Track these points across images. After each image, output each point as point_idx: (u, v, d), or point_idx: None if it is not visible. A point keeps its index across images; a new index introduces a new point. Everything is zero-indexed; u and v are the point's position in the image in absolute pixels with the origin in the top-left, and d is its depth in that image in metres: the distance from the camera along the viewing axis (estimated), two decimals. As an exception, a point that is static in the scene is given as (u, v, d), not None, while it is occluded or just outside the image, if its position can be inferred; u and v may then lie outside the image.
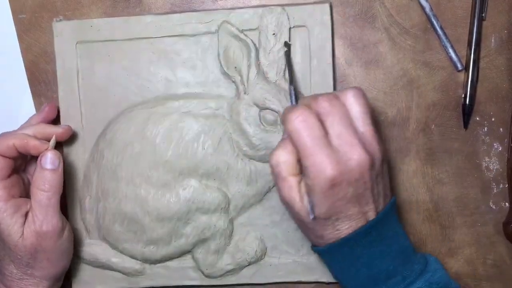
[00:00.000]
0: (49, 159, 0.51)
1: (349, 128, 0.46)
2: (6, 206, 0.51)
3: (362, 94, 0.47)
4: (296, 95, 0.50)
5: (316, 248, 0.49)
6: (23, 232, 0.51)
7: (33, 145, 0.52)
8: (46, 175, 0.51)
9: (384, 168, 0.48)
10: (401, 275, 0.47)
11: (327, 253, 0.48)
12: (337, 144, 0.45)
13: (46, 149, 0.52)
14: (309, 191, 0.46)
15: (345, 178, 0.45)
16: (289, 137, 0.46)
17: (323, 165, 0.44)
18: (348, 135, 0.45)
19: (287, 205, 0.48)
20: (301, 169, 0.46)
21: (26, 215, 0.52)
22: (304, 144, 0.45)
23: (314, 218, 0.46)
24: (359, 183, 0.45)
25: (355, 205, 0.46)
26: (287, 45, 0.50)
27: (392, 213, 0.48)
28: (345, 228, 0.46)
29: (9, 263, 0.52)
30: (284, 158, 0.47)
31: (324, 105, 0.46)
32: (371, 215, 0.47)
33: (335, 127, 0.45)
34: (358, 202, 0.46)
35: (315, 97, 0.47)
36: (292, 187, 0.47)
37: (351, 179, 0.45)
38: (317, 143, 0.45)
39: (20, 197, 0.53)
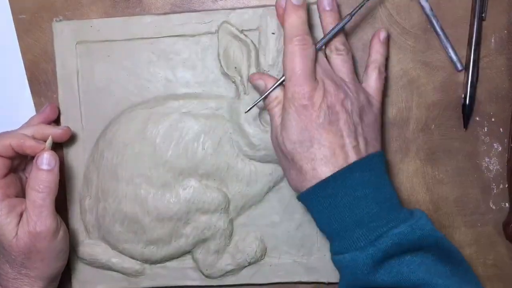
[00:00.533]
0: (45, 160, 0.51)
1: (347, 71, 0.51)
2: (1, 205, 0.51)
3: (347, 51, 0.52)
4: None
5: (298, 195, 0.49)
6: (17, 232, 0.51)
7: (29, 145, 0.52)
8: (41, 175, 0.51)
9: (368, 115, 0.50)
10: (384, 219, 0.46)
11: (310, 195, 0.48)
12: (320, 77, 0.49)
13: (43, 150, 0.52)
14: (284, 115, 0.49)
15: (318, 101, 0.48)
16: (284, 61, 0.49)
17: (302, 87, 0.48)
18: (333, 74, 0.50)
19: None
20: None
21: (21, 215, 0.52)
22: (290, 67, 0.48)
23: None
24: (332, 110, 0.48)
25: (328, 132, 0.47)
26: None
27: (378, 163, 0.49)
28: (320, 158, 0.47)
29: (4, 263, 0.52)
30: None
31: (338, 45, 0.51)
32: (351, 155, 0.47)
33: (324, 65, 0.50)
34: (330, 130, 0.47)
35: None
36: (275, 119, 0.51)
37: (324, 105, 0.48)
38: (303, 70, 0.48)
39: (17, 196, 0.54)
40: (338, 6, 0.53)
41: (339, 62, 0.51)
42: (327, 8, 0.52)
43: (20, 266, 0.52)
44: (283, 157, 0.50)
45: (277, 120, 0.50)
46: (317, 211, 0.48)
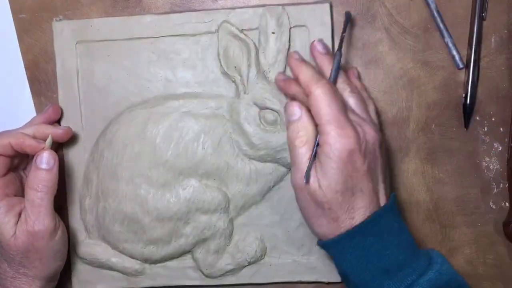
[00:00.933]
0: (44, 159, 0.51)
1: (364, 108, 0.49)
2: (0, 204, 0.51)
3: (358, 89, 0.51)
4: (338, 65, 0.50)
5: (325, 242, 0.48)
6: (15, 231, 0.51)
7: (29, 144, 0.52)
8: (40, 174, 0.51)
9: (386, 157, 0.50)
10: (411, 267, 0.46)
11: (338, 243, 0.47)
12: (353, 119, 0.47)
13: (42, 149, 0.52)
14: (327, 159, 0.45)
15: (362, 148, 0.46)
16: (311, 104, 0.47)
17: (344, 132, 0.45)
18: (364, 113, 0.49)
19: (296, 190, 0.48)
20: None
21: (20, 214, 0.52)
22: (327, 110, 0.46)
23: (307, 182, 0.46)
24: (372, 157, 0.47)
25: (370, 179, 0.46)
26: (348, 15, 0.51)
27: (395, 206, 0.48)
28: (359, 206, 0.46)
29: (3, 262, 0.52)
30: (310, 135, 0.48)
31: (344, 86, 0.49)
32: (382, 199, 0.47)
33: (352, 105, 0.49)
34: (371, 177, 0.46)
35: (317, 76, 0.48)
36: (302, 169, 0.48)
37: (366, 152, 0.46)
38: (340, 111, 0.46)
39: (16, 195, 0.54)
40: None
41: (355, 101, 0.49)
42: (323, 52, 0.51)
43: (18, 265, 0.52)
44: (313, 205, 0.47)
45: (305, 162, 0.47)
46: (343, 259, 0.47)
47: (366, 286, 0.47)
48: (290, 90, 0.50)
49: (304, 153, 0.47)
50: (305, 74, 0.48)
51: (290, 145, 0.49)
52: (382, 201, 0.47)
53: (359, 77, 0.55)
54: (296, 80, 0.49)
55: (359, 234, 0.46)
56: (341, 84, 0.50)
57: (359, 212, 0.46)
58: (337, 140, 0.45)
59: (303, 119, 0.48)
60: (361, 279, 0.47)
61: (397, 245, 0.46)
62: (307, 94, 0.47)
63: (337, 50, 0.50)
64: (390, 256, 0.46)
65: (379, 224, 0.46)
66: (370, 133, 0.47)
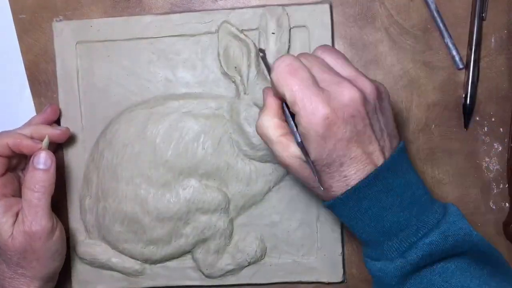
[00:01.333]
0: (42, 159, 0.51)
1: (332, 71, 0.44)
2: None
3: (331, 47, 0.47)
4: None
5: (324, 203, 0.46)
6: (12, 231, 0.51)
7: (26, 144, 0.52)
8: (37, 175, 0.51)
9: (383, 104, 0.45)
10: (414, 227, 0.43)
11: (334, 207, 0.45)
12: (325, 86, 0.43)
13: (39, 149, 0.52)
14: (305, 139, 0.43)
15: (339, 115, 0.42)
16: (274, 86, 0.44)
17: (314, 105, 0.42)
18: (333, 76, 0.44)
19: (288, 166, 0.46)
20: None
21: (17, 214, 0.52)
22: (291, 88, 0.43)
23: (313, 163, 0.44)
24: (356, 119, 0.43)
25: (357, 144, 0.43)
26: (262, 51, 0.48)
27: (402, 158, 0.45)
28: (352, 173, 0.43)
29: (1, 263, 0.53)
30: (268, 122, 0.46)
31: (302, 60, 0.44)
32: (379, 159, 0.44)
33: (319, 73, 0.44)
34: (359, 141, 0.43)
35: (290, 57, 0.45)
36: (287, 146, 0.45)
37: (346, 116, 0.42)
38: (304, 85, 0.42)
39: (14, 196, 0.54)
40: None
41: (331, 58, 0.45)
42: None
43: (16, 265, 0.52)
44: (304, 179, 0.46)
45: (287, 146, 0.45)
46: (345, 220, 0.46)
47: (369, 244, 0.45)
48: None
49: (268, 140, 0.46)
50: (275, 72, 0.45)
51: (258, 133, 0.47)
52: (380, 158, 0.44)
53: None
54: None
55: (352, 200, 0.44)
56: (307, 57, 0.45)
57: (353, 177, 0.43)
58: (306, 119, 0.42)
59: (267, 106, 0.46)
60: (363, 238, 0.46)
61: (399, 205, 0.43)
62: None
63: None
64: (389, 218, 0.44)
65: (375, 185, 0.43)
66: (344, 94, 0.42)
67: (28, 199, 0.51)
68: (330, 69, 0.45)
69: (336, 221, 0.57)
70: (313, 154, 0.43)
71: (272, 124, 0.46)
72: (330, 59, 0.45)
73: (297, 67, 0.43)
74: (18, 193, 0.54)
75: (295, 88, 0.42)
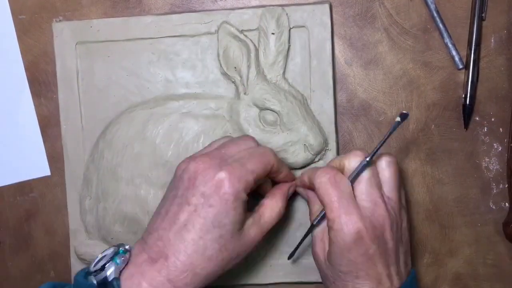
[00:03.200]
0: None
1: (376, 188, 0.47)
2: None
3: (395, 162, 0.49)
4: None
5: None
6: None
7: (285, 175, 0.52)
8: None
9: (405, 237, 0.49)
10: None
11: None
12: (362, 200, 0.47)
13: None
14: (331, 244, 0.46)
15: (369, 233, 0.45)
16: (316, 192, 0.47)
17: (349, 218, 0.45)
18: (374, 194, 0.47)
19: (318, 261, 0.50)
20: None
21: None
22: (330, 198, 0.46)
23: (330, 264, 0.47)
24: (381, 241, 0.46)
25: (376, 264, 0.46)
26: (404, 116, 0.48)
27: (414, 286, 0.48)
28: None
29: None
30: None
31: (325, 172, 0.48)
32: (393, 282, 0.46)
33: (362, 185, 0.47)
34: (379, 261, 0.46)
35: (348, 156, 0.49)
36: (323, 243, 0.49)
37: (374, 236, 0.45)
38: (343, 197, 0.46)
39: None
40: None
41: (388, 174, 0.49)
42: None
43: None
44: (323, 275, 0.50)
45: (320, 243, 0.49)
46: None
47: None
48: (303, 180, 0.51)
49: (319, 234, 0.50)
50: (309, 174, 0.50)
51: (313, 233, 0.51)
52: (396, 282, 0.47)
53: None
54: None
55: None
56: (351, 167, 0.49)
57: None
58: (339, 227, 0.45)
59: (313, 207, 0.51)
60: None
61: None
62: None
63: (369, 157, 0.48)
64: None
65: None
66: (378, 216, 0.46)
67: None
68: (377, 185, 0.48)
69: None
70: (333, 259, 0.46)
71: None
72: (386, 176, 0.49)
73: (339, 180, 0.47)
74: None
75: (335, 199, 0.46)
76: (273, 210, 0.50)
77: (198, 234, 0.45)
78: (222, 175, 0.45)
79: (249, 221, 0.48)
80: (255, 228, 0.48)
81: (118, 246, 0.47)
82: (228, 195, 0.45)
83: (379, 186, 0.48)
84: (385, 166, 0.49)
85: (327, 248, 0.48)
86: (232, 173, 0.45)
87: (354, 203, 0.46)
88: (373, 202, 0.47)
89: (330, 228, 0.46)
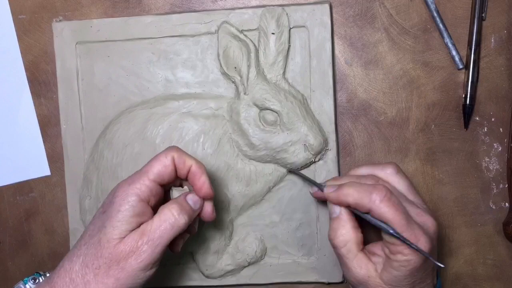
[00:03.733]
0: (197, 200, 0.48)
1: (409, 202, 0.48)
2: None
3: (399, 169, 0.50)
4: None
5: None
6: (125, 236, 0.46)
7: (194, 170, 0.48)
8: (191, 213, 0.47)
9: None
10: None
11: None
12: (414, 215, 0.47)
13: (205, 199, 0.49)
14: (397, 267, 0.46)
15: (434, 245, 0.47)
16: (378, 218, 0.46)
17: (420, 235, 0.46)
18: (415, 208, 0.48)
19: (362, 282, 0.48)
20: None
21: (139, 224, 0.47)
22: (400, 219, 0.46)
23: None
24: (435, 250, 0.48)
25: (428, 277, 0.48)
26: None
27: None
28: None
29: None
30: (349, 235, 0.48)
31: (382, 193, 0.46)
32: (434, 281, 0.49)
33: (404, 204, 0.47)
34: (430, 274, 0.48)
35: (369, 190, 0.47)
36: (367, 262, 0.48)
37: (434, 246, 0.47)
38: (407, 216, 0.46)
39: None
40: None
41: (406, 184, 0.50)
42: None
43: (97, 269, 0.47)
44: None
45: (351, 261, 0.48)
46: None
47: None
48: (346, 201, 0.48)
49: (346, 254, 0.48)
50: (353, 193, 0.47)
51: (332, 243, 0.49)
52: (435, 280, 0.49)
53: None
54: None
55: None
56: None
57: None
58: (412, 252, 0.45)
59: (342, 217, 0.48)
60: None
61: None
62: (365, 209, 0.47)
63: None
64: None
65: None
66: (431, 224, 0.47)
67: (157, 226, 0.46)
68: (407, 199, 0.49)
69: (336, 221, 0.57)
70: (396, 280, 0.46)
71: (355, 237, 0.48)
72: (402, 185, 0.50)
73: (396, 201, 0.46)
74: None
75: (404, 219, 0.46)
76: (162, 219, 0.46)
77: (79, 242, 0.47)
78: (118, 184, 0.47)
79: (136, 229, 0.45)
80: (135, 235, 0.45)
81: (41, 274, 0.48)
82: (117, 198, 0.45)
83: (406, 198, 0.49)
84: (395, 178, 0.50)
85: (379, 269, 0.47)
86: (125, 180, 0.46)
87: (413, 221, 0.46)
88: (420, 215, 0.47)
89: (399, 253, 0.46)
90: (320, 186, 0.51)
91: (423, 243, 0.45)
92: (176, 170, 0.47)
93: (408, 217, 0.46)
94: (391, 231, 0.45)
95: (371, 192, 0.46)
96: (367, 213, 0.47)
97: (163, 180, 0.47)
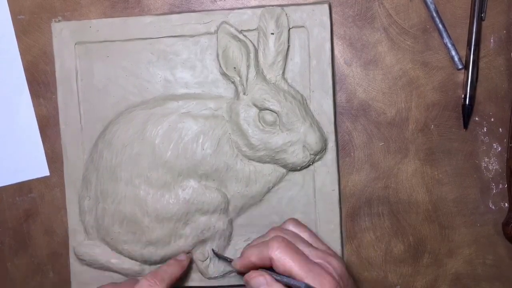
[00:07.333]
0: None
1: (312, 247, 0.50)
2: None
3: (298, 221, 0.53)
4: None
5: None
6: None
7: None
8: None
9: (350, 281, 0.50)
10: None
11: None
12: (318, 257, 0.48)
13: None
14: None
15: (343, 283, 0.48)
16: (276, 266, 0.48)
17: (323, 276, 0.46)
18: (318, 251, 0.49)
19: None
20: None
21: None
22: (296, 265, 0.47)
23: None
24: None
25: None
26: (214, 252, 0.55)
27: None
28: None
29: None
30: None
31: (279, 241, 0.48)
32: None
33: (303, 249, 0.49)
34: None
35: (267, 242, 0.49)
36: None
37: (345, 285, 0.48)
38: (306, 259, 0.48)
39: None
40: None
41: (308, 234, 0.52)
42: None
43: None
44: None
45: None
46: None
47: None
48: (250, 261, 0.50)
49: None
50: (253, 251, 0.49)
51: None
52: None
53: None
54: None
55: None
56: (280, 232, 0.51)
57: None
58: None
59: (271, 284, 0.48)
60: None
61: None
62: (269, 262, 0.48)
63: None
64: None
65: None
66: (338, 267, 0.48)
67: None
68: (308, 244, 0.50)
69: (335, 221, 0.57)
70: None
71: None
72: (305, 234, 0.52)
73: (294, 247, 0.48)
74: None
75: (301, 264, 0.47)
76: None
77: None
78: None
79: None
80: None
81: None
82: None
83: (308, 243, 0.50)
84: (297, 230, 0.52)
85: None
86: None
87: (313, 262, 0.48)
88: (322, 257, 0.48)
89: None
90: (228, 260, 0.54)
91: (327, 283, 0.46)
92: None
93: (308, 260, 0.47)
94: (303, 285, 0.46)
95: (268, 244, 0.48)
96: (271, 267, 0.48)
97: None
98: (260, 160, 0.55)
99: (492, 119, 0.57)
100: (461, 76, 0.57)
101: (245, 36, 0.55)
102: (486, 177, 0.57)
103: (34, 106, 0.60)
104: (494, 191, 0.57)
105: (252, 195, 0.56)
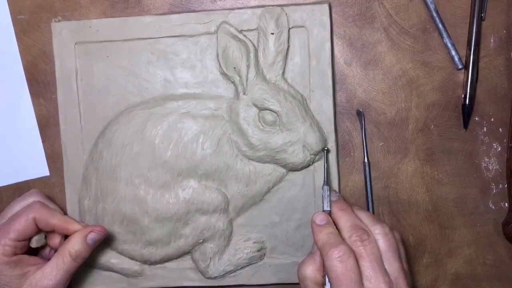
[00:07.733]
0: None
1: (379, 271, 0.47)
2: (10, 259, 0.52)
3: (389, 231, 0.49)
4: (330, 198, 0.50)
5: None
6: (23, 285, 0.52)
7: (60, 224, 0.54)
8: (84, 248, 0.53)
9: None
10: None
11: None
12: (367, 286, 0.46)
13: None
14: None
15: None
16: (327, 272, 0.47)
17: None
18: (377, 279, 0.46)
19: None
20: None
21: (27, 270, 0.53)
22: (339, 283, 0.46)
23: None
24: None
25: None
26: (327, 150, 0.54)
27: None
28: None
29: None
30: (311, 274, 0.49)
31: (358, 245, 0.47)
32: None
33: (366, 271, 0.47)
34: None
35: (349, 228, 0.48)
36: None
37: None
38: (351, 285, 0.46)
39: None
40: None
41: (385, 245, 0.48)
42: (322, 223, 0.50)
43: None
44: None
45: None
46: None
47: None
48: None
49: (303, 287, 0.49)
50: (322, 241, 0.48)
51: (297, 273, 0.50)
52: None
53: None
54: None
55: None
56: (353, 247, 0.48)
57: None
58: None
59: (316, 256, 0.49)
60: None
61: None
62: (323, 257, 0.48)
63: (324, 185, 0.50)
64: None
65: None
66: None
67: (59, 262, 0.52)
68: (379, 266, 0.47)
69: (335, 222, 0.57)
70: None
71: (314, 276, 0.49)
72: (384, 245, 0.48)
73: (350, 267, 0.46)
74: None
75: (343, 285, 0.45)
76: (45, 272, 0.52)
77: None
78: None
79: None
80: None
81: None
82: None
83: (381, 263, 0.48)
84: (380, 239, 0.48)
85: None
86: None
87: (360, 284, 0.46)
88: (387, 275, 0.47)
89: None
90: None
91: None
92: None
93: (351, 285, 0.46)
94: None
95: (332, 247, 0.47)
96: None
97: (26, 236, 0.52)
98: (260, 160, 0.55)
99: (492, 119, 0.57)
100: (461, 76, 0.57)
101: (245, 36, 0.55)
102: (486, 177, 0.57)
103: (34, 106, 0.60)
104: (494, 191, 0.57)
105: (252, 195, 0.56)
